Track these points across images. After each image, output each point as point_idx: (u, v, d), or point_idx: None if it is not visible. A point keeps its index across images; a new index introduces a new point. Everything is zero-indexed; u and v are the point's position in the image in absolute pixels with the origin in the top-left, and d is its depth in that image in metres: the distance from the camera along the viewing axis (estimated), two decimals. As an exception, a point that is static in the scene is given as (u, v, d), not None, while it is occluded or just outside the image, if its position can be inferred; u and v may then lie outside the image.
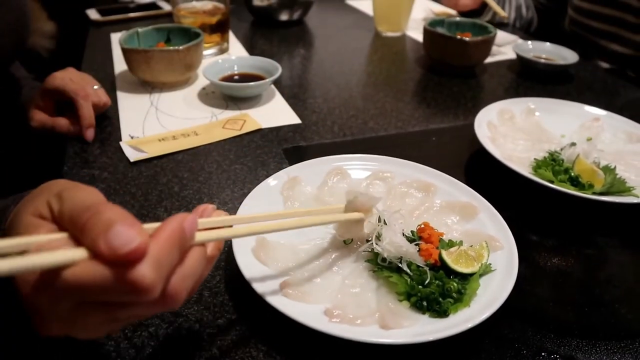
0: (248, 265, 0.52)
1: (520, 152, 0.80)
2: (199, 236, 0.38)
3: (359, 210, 0.55)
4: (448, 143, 0.86)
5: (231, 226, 0.43)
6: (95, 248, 0.31)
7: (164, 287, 0.34)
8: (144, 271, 0.31)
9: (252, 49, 1.24)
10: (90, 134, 0.81)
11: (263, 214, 0.49)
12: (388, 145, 0.84)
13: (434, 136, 0.88)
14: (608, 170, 0.73)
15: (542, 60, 1.13)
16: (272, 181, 0.65)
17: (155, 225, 0.35)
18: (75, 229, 0.34)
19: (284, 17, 1.40)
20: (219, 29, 1.17)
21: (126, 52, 0.95)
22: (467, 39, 1.07)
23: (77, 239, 0.34)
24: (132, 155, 0.77)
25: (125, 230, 0.31)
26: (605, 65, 1.36)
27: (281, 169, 0.68)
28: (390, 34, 1.38)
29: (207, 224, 0.41)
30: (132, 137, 0.82)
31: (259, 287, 0.49)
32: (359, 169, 0.70)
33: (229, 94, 0.96)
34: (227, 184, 0.72)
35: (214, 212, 0.43)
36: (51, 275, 0.31)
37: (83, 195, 0.36)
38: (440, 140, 0.87)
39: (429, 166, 0.69)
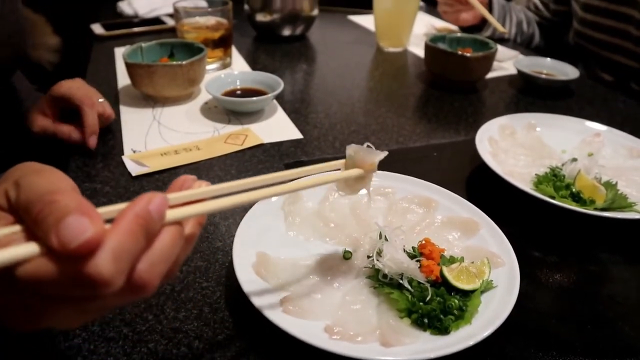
0: (248, 280, 0.51)
1: (521, 167, 0.80)
2: (173, 214, 0.34)
3: (359, 166, 0.51)
4: (449, 158, 0.87)
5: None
6: (47, 242, 0.29)
7: (129, 276, 0.31)
8: (100, 264, 0.29)
9: (254, 64, 1.25)
10: (93, 141, 0.81)
11: (253, 180, 0.43)
12: (389, 160, 0.84)
13: (435, 151, 0.88)
14: (609, 186, 0.73)
15: (543, 76, 1.13)
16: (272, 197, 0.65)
17: (125, 205, 0.32)
18: (29, 220, 0.32)
19: (286, 32, 1.41)
20: (222, 44, 1.18)
21: (129, 67, 0.95)
22: (468, 54, 1.07)
23: (33, 232, 0.31)
24: (134, 169, 0.77)
25: (77, 221, 0.29)
26: (609, 77, 1.36)
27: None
28: (392, 49, 1.39)
29: (185, 198, 0.37)
30: (134, 151, 0.83)
31: (259, 303, 0.48)
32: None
33: (231, 109, 0.96)
34: (228, 198, 0.72)
35: (195, 183, 0.39)
36: (6, 273, 0.29)
37: (41, 182, 0.34)
38: (442, 155, 0.87)
39: (430, 181, 0.69)
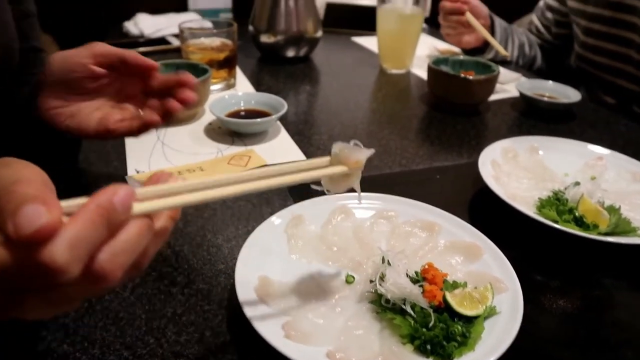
0: (250, 304, 0.51)
1: (524, 191, 0.80)
2: (143, 207, 0.35)
3: (344, 164, 0.49)
4: (452, 181, 0.87)
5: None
6: (5, 230, 0.30)
7: (89, 266, 0.31)
8: (54, 251, 0.29)
9: (258, 85, 1.26)
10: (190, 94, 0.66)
11: (229, 176, 0.41)
12: (392, 183, 0.85)
13: (438, 174, 0.88)
14: (613, 210, 0.72)
15: (545, 99, 1.14)
16: (276, 219, 0.65)
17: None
18: None
19: (290, 53, 1.43)
20: (227, 65, 1.19)
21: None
22: (470, 77, 1.08)
23: None
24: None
25: (33, 209, 0.29)
26: (611, 100, 1.37)
27: (285, 207, 0.68)
28: (395, 71, 1.40)
29: (159, 192, 0.37)
30: (137, 172, 0.83)
31: (261, 328, 0.48)
32: (363, 208, 0.70)
33: (235, 130, 0.97)
34: (231, 220, 0.72)
35: (171, 178, 0.39)
36: None
37: (7, 174, 0.34)
38: (444, 178, 0.87)
39: (433, 205, 0.69)
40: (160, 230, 0.37)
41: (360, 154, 0.49)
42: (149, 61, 0.68)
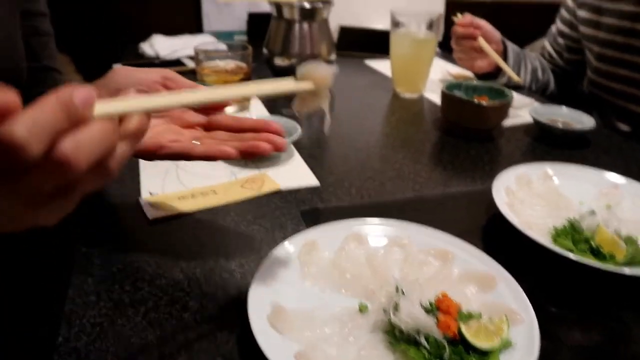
0: (263, 332, 0.51)
1: (538, 218, 0.80)
2: (104, 109, 0.36)
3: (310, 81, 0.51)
4: (465, 207, 0.86)
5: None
6: None
7: (51, 149, 0.33)
8: (14, 127, 0.31)
9: (272, 108, 1.27)
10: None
11: (203, 92, 0.45)
12: (405, 208, 0.84)
13: (452, 200, 0.88)
14: (630, 240, 0.71)
15: (559, 125, 1.13)
16: (289, 245, 0.65)
17: None
18: None
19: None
20: (241, 88, 1.20)
21: (150, 110, 0.97)
22: (484, 103, 1.08)
23: None
24: (151, 213, 0.77)
25: None
26: (625, 127, 1.36)
27: (298, 232, 0.68)
28: (408, 95, 1.40)
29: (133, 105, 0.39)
30: (151, 194, 0.84)
31: (273, 357, 0.48)
32: (376, 235, 0.69)
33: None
34: (244, 245, 0.72)
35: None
36: None
37: None
38: (458, 204, 0.87)
39: (446, 231, 0.69)
40: (128, 134, 0.39)
41: (326, 70, 0.51)
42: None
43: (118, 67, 0.72)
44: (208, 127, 0.67)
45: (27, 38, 0.91)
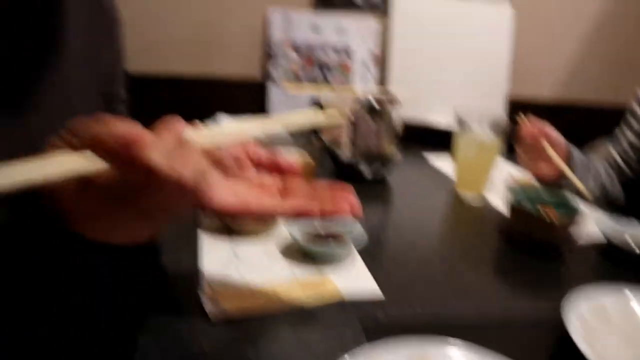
0: None
1: (612, 350, 0.74)
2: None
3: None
4: (531, 330, 0.81)
5: None
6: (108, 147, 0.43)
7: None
8: (151, 155, 0.42)
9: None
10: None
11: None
12: (470, 327, 0.81)
13: (518, 322, 0.83)
14: None
15: (633, 246, 1.08)
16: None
17: None
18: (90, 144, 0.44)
19: (367, 172, 1.43)
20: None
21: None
22: (554, 221, 1.04)
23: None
24: (213, 313, 0.76)
25: (125, 124, 0.45)
26: None
27: (358, 344, 0.66)
28: (470, 197, 1.38)
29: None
30: (211, 288, 0.82)
31: None
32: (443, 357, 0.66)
33: (310, 253, 0.95)
34: (299, 357, 0.69)
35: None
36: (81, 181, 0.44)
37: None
38: (524, 325, 0.83)
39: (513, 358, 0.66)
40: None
41: (344, 100, 0.60)
42: (297, 166, 0.65)
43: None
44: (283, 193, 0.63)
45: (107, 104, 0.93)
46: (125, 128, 0.43)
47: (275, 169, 0.65)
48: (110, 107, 0.96)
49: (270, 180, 0.65)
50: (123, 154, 0.42)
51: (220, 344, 0.71)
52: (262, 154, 0.67)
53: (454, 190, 1.42)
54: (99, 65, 0.87)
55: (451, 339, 0.69)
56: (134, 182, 0.43)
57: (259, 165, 0.66)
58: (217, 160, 0.60)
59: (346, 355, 0.63)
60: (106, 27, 0.91)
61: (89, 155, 0.43)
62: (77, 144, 0.45)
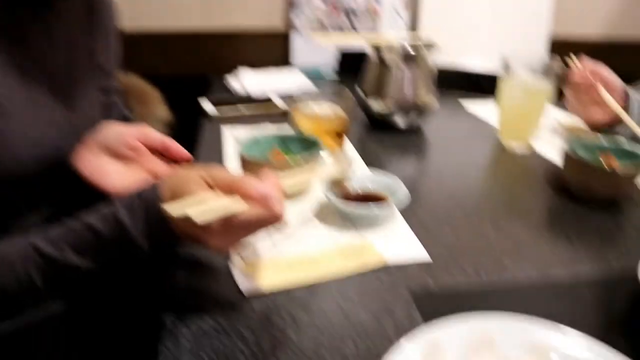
0: None
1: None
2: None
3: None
4: (602, 296, 0.72)
5: None
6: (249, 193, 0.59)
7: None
8: (277, 207, 0.60)
9: (365, 155, 1.18)
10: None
11: None
12: (531, 295, 0.72)
13: (585, 287, 0.74)
14: None
15: None
16: (409, 349, 0.54)
17: None
18: (231, 189, 0.60)
19: (402, 123, 1.34)
20: (337, 136, 1.12)
21: (244, 162, 0.91)
22: (616, 171, 0.94)
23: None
24: (246, 288, 0.69)
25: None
26: None
27: (411, 320, 0.60)
28: (517, 147, 1.27)
29: None
30: (242, 258, 0.76)
31: None
32: (506, 335, 0.58)
33: (349, 216, 0.87)
34: (349, 334, 0.62)
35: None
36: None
37: (225, 173, 0.63)
38: (592, 291, 0.73)
39: (583, 329, 0.59)
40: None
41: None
42: (186, 153, 0.82)
43: (107, 123, 0.83)
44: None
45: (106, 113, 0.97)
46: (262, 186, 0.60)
47: (169, 155, 0.81)
48: (108, 100, 0.98)
49: (163, 167, 0.80)
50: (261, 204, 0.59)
51: (256, 321, 0.64)
52: (156, 141, 0.80)
53: (497, 139, 1.32)
54: (98, 62, 0.93)
55: (519, 319, 0.60)
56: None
57: (153, 151, 0.80)
58: (114, 149, 0.78)
59: (405, 342, 0.55)
60: (104, 26, 0.94)
61: (237, 199, 0.59)
62: (214, 185, 0.61)
